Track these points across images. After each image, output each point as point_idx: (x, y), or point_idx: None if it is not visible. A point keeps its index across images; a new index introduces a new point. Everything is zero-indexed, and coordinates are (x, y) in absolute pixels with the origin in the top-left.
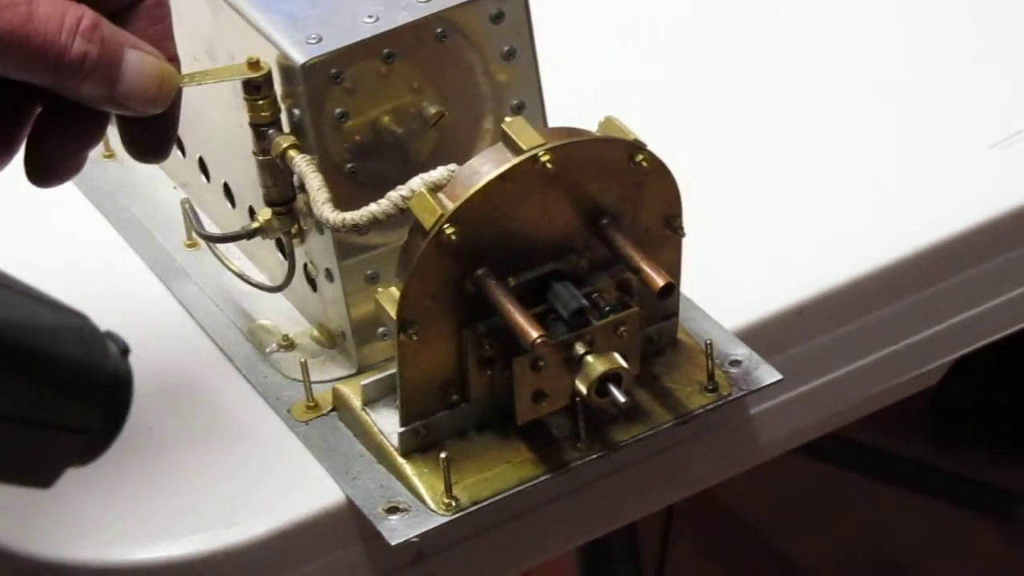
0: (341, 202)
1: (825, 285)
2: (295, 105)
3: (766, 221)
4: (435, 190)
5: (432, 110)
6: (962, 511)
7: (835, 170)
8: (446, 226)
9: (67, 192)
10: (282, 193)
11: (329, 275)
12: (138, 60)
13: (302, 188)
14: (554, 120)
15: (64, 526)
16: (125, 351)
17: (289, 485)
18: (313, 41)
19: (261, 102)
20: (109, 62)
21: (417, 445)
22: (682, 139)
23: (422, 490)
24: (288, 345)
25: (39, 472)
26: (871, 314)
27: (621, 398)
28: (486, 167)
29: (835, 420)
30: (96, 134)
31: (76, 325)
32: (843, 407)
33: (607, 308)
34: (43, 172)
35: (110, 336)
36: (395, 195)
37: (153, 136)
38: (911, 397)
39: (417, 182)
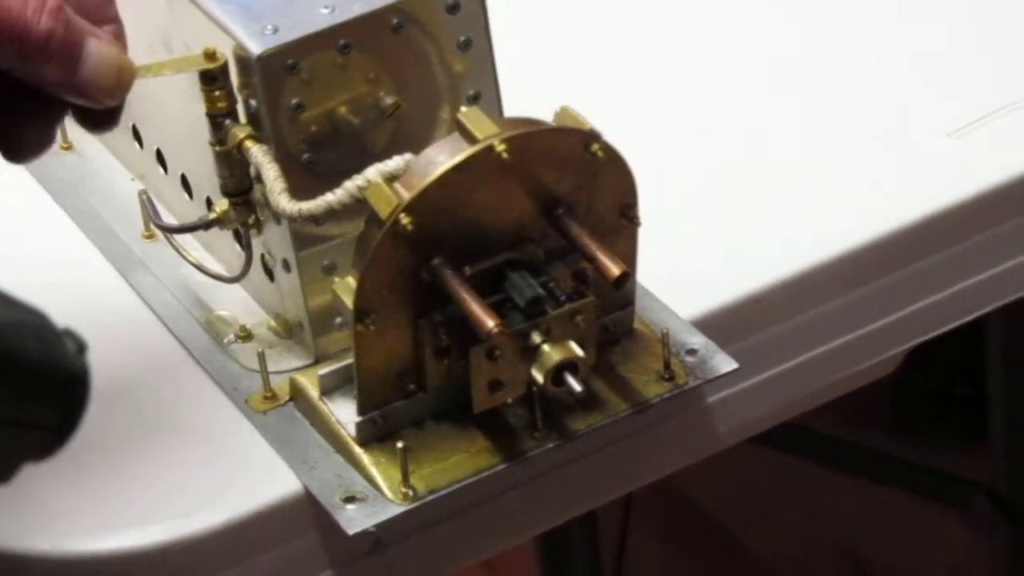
0: (298, 192)
1: (781, 274)
2: (251, 96)
3: (722, 210)
4: (391, 180)
5: (388, 100)
6: (921, 500)
7: (791, 159)
8: (402, 215)
9: (24, 184)
10: (239, 184)
11: (286, 265)
12: (98, 49)
13: (259, 178)
14: (510, 110)
15: (21, 517)
16: (82, 348)
17: (246, 475)
18: (269, 32)
19: (217, 93)
20: (72, 44)
21: (374, 435)
22: (638, 128)
23: (379, 480)
24: (246, 336)
25: None
26: (827, 303)
27: (577, 387)
28: (442, 157)
29: (792, 408)
30: (61, 110)
31: (33, 322)
32: (800, 396)
33: (563, 297)
34: (14, 149)
35: (68, 334)
36: (351, 185)
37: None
38: (870, 386)
39: (373, 172)
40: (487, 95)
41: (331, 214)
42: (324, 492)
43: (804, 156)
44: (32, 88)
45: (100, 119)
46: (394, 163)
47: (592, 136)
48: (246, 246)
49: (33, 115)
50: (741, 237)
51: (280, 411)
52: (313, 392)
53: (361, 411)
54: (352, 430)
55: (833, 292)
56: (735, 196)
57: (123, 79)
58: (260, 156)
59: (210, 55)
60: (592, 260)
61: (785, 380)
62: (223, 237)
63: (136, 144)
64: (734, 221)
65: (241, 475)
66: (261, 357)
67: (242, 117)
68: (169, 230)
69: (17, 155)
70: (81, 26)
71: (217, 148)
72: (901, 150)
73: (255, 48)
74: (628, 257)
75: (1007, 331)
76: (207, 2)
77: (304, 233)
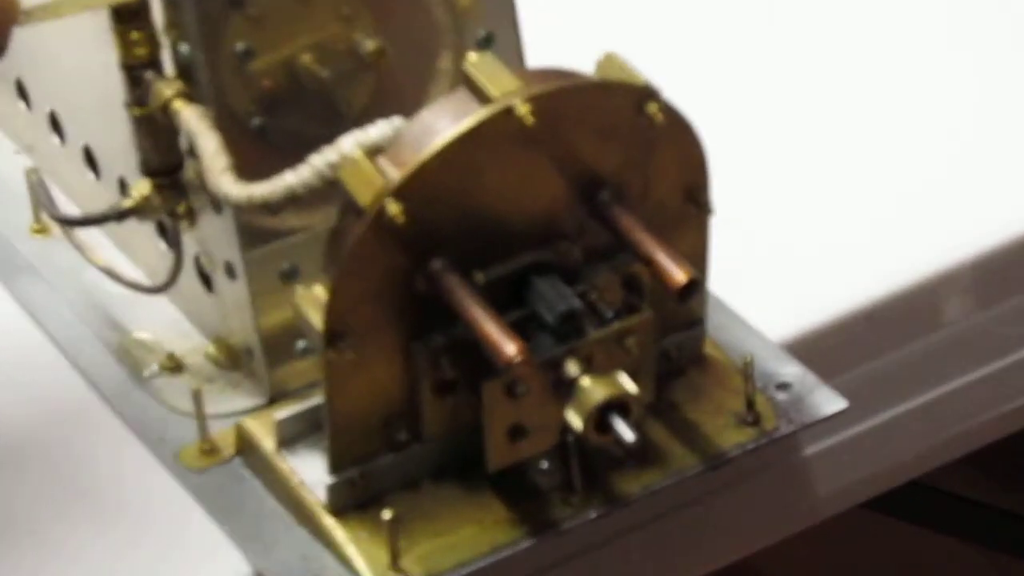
0: (246, 170)
1: (902, 282)
2: (182, 38)
3: (824, 199)
4: (374, 154)
5: (369, 45)
6: None
7: (919, 136)
8: (390, 203)
9: None
10: (165, 159)
11: (230, 270)
12: None
13: (192, 152)
14: (535, 58)
15: None
16: None
17: (177, 557)
18: None
19: (135, 35)
20: None
21: (352, 500)
22: (709, 85)
23: (359, 561)
24: (174, 367)
25: None
26: (963, 321)
27: (629, 435)
28: (443, 122)
29: (919, 463)
30: None
31: None
32: (929, 446)
33: (609, 313)
34: None
35: None
36: (319, 161)
37: None
38: (1021, 434)
39: (350, 143)
40: (504, 37)
41: (292, 200)
42: None
43: (933, 132)
44: None
45: None
46: (378, 131)
47: (647, 94)
48: (174, 244)
49: None
50: (849, 234)
51: (223, 469)
52: (268, 443)
53: (334, 468)
54: (322, 494)
55: (970, 307)
56: (841, 182)
57: (3, 16)
58: (194, 121)
59: None
60: (648, 262)
61: (908, 425)
62: (143, 232)
63: (22, 104)
64: (840, 214)
65: (170, 558)
66: (196, 395)
67: (169, 68)
68: (69, 223)
69: None
70: None
71: (135, 111)
72: None
73: None
74: (697, 258)
75: None
76: None
77: (255, 226)
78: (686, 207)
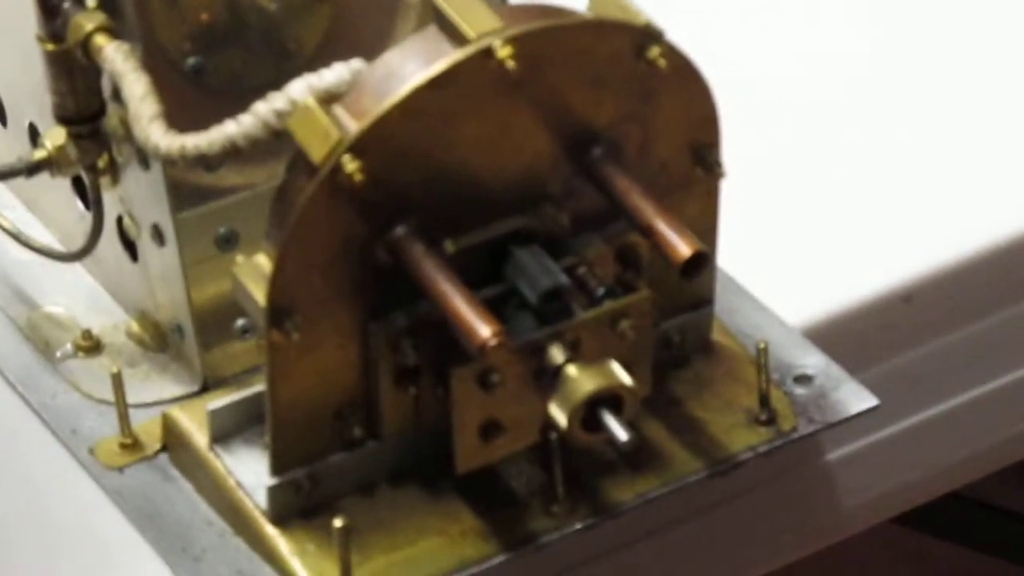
0: (179, 118)
1: (943, 261)
2: None
3: (856, 160)
4: (329, 102)
5: None
6: None
7: (964, 100)
8: (347, 159)
9: None
10: (84, 104)
11: (158, 234)
12: None
13: (116, 96)
14: None
15: None
16: None
17: (92, 573)
18: None
19: None
20: None
21: (297, 506)
22: (720, 26)
23: None
24: (91, 346)
25: None
26: (1013, 307)
27: (622, 434)
28: (410, 66)
29: (960, 473)
30: None
31: None
32: (972, 453)
33: (600, 290)
34: None
35: None
36: (265, 109)
37: None
38: None
39: (300, 89)
40: None
41: (231, 154)
42: None
43: (980, 99)
44: None
45: None
46: (334, 75)
47: (649, 35)
48: (94, 204)
49: None
50: (884, 204)
51: (146, 467)
52: (199, 438)
53: (277, 469)
54: (261, 499)
55: (1021, 291)
56: (876, 147)
57: None
58: (119, 61)
59: None
60: (648, 232)
61: (948, 427)
62: (57, 189)
63: None
64: (874, 177)
65: (83, 572)
66: (116, 380)
67: None
68: None
69: None
70: None
71: (49, 47)
72: None
73: None
74: (705, 228)
75: None
76: None
77: (188, 184)
78: (693, 168)
